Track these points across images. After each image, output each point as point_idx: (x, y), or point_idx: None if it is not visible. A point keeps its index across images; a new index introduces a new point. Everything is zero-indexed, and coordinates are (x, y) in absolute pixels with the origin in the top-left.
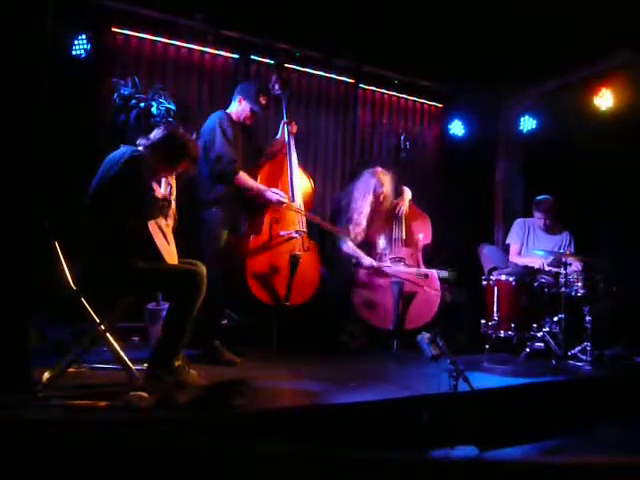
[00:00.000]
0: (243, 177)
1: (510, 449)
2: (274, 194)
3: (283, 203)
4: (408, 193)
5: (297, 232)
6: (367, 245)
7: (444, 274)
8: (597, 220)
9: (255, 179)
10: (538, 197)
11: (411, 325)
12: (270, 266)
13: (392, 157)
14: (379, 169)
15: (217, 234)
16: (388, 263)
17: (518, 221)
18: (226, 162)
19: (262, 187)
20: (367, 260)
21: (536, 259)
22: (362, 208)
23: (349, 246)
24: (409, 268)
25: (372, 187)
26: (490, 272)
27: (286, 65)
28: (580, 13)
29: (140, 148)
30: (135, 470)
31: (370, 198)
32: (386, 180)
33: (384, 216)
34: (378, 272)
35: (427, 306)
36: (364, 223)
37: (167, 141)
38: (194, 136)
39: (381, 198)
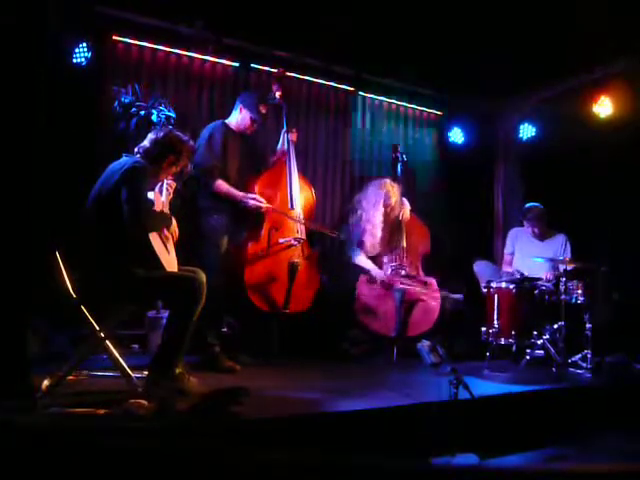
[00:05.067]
0: (221, 185)
1: (510, 457)
2: (250, 199)
3: (261, 208)
4: (407, 204)
5: (296, 240)
6: (372, 258)
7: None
8: (597, 227)
9: (253, 187)
10: (526, 205)
11: (412, 332)
12: (268, 273)
13: (391, 169)
14: (387, 181)
15: (217, 241)
16: (389, 271)
17: (511, 231)
18: (201, 172)
19: (239, 193)
20: (379, 273)
21: (535, 270)
22: (374, 219)
23: (361, 259)
24: (417, 284)
25: (382, 199)
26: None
27: (288, 74)
28: (579, 21)
29: (138, 156)
30: (134, 478)
31: (381, 209)
32: (394, 192)
33: (389, 227)
34: (386, 285)
35: (428, 314)
36: (379, 235)
37: (164, 143)
38: (191, 142)
39: (389, 210)
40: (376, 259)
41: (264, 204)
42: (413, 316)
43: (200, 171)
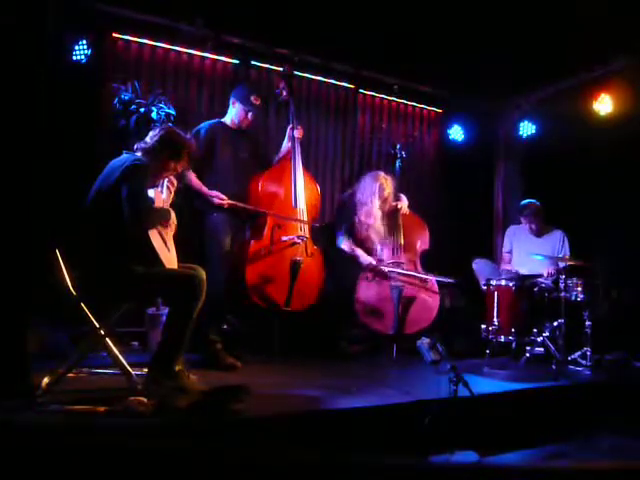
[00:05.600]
0: (192, 178)
1: (510, 454)
2: (214, 198)
3: (223, 205)
4: (405, 199)
5: (299, 237)
6: (366, 250)
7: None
8: (597, 224)
9: (257, 183)
10: (522, 202)
11: (411, 330)
12: (270, 271)
13: (389, 166)
14: (381, 173)
15: (219, 239)
16: (376, 260)
17: (509, 228)
18: None
19: (204, 190)
20: (366, 259)
21: (534, 267)
22: (373, 211)
23: (347, 244)
24: (413, 277)
25: (377, 190)
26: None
27: (295, 72)
28: (579, 19)
29: (138, 153)
30: (134, 475)
31: (377, 202)
32: (387, 184)
33: (385, 219)
34: (377, 273)
35: (426, 311)
36: (378, 226)
37: (165, 141)
38: (192, 140)
39: (382, 201)
40: (373, 253)
41: (226, 201)
42: (411, 313)
43: None
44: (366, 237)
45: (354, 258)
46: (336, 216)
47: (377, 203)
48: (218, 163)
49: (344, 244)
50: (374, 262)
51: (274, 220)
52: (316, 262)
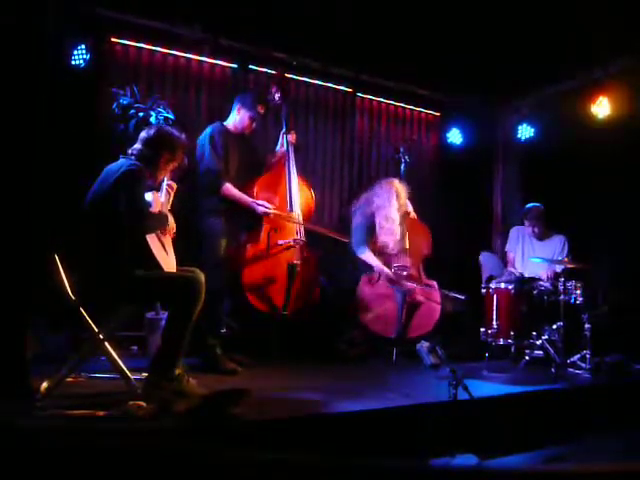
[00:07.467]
0: (229, 189)
1: (510, 457)
2: (259, 206)
3: (269, 214)
4: (410, 205)
5: (295, 241)
6: (383, 256)
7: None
8: (596, 226)
9: (252, 189)
10: (527, 205)
11: (413, 334)
12: (268, 275)
13: (393, 170)
14: (395, 180)
15: (217, 243)
16: (392, 272)
17: (513, 229)
18: (212, 176)
19: (248, 199)
20: (384, 270)
21: (534, 270)
22: (391, 215)
23: (367, 255)
24: (418, 283)
25: (394, 197)
26: (488, 280)
27: (287, 76)
28: (578, 21)
29: (133, 157)
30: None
31: (395, 207)
32: (402, 192)
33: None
34: (392, 282)
35: (429, 315)
36: (398, 233)
37: (156, 140)
38: (183, 135)
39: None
40: (389, 259)
41: (272, 210)
42: (415, 318)
43: (209, 175)
44: (384, 243)
45: (367, 266)
46: (353, 225)
47: (396, 205)
48: (228, 167)
49: (365, 255)
50: (393, 276)
51: (270, 224)
52: (311, 265)
